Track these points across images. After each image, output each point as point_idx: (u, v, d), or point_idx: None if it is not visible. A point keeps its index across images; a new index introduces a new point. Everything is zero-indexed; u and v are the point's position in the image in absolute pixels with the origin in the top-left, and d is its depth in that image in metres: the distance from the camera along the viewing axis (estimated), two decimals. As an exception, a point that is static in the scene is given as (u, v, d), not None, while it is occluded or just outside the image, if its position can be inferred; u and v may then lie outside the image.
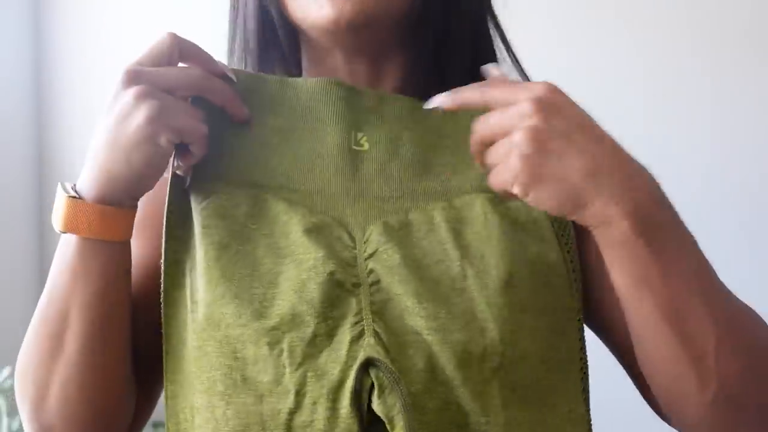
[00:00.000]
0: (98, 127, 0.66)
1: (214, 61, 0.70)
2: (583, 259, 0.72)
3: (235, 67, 0.75)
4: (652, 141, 1.73)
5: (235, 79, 0.71)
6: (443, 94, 0.64)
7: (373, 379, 0.60)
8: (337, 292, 0.64)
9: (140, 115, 0.63)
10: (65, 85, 2.14)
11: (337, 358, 0.61)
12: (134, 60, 0.66)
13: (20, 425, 1.33)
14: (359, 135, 0.71)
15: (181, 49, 0.67)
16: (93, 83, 2.02)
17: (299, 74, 0.77)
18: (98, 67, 2.00)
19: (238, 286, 0.64)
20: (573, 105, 0.61)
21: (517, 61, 0.79)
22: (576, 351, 0.68)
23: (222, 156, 0.70)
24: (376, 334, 0.62)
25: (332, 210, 0.69)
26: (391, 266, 0.65)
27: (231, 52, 0.78)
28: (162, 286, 0.68)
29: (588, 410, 0.68)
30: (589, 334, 0.72)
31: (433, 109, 0.65)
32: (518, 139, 0.59)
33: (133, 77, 0.64)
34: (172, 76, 0.66)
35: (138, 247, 0.71)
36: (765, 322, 0.65)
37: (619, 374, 0.74)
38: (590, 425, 0.68)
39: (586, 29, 1.84)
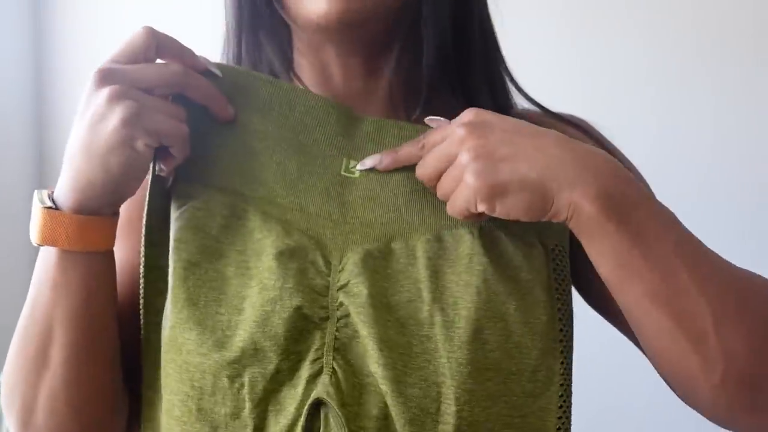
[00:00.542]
0: (72, 132, 0.61)
1: (195, 55, 0.65)
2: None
3: (221, 62, 0.71)
4: (652, 141, 1.73)
5: (219, 74, 0.67)
6: (376, 155, 0.66)
7: (321, 420, 0.58)
8: (303, 326, 0.60)
9: (115, 118, 0.59)
10: (65, 85, 2.13)
11: (295, 395, 0.59)
12: (107, 58, 0.62)
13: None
14: (351, 163, 0.68)
15: (158, 44, 0.63)
16: (93, 83, 2.01)
17: (290, 65, 0.74)
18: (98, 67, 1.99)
19: (203, 312, 0.61)
20: (503, 117, 0.61)
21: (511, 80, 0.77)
22: (551, 414, 0.62)
23: (204, 158, 0.66)
24: (334, 373, 0.59)
25: (311, 230, 0.65)
26: (359, 304, 0.61)
27: (227, 41, 0.75)
28: (141, 293, 0.65)
29: None
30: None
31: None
32: (465, 159, 0.59)
33: (106, 76, 0.60)
34: (148, 74, 0.61)
35: (122, 251, 0.68)
36: None
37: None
38: None
39: (586, 29, 1.84)
